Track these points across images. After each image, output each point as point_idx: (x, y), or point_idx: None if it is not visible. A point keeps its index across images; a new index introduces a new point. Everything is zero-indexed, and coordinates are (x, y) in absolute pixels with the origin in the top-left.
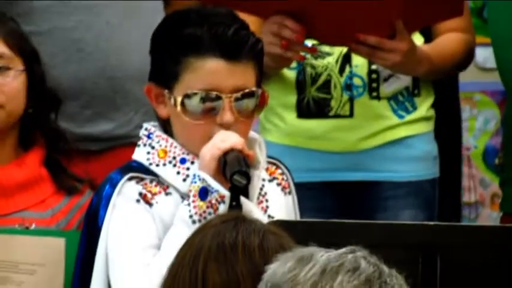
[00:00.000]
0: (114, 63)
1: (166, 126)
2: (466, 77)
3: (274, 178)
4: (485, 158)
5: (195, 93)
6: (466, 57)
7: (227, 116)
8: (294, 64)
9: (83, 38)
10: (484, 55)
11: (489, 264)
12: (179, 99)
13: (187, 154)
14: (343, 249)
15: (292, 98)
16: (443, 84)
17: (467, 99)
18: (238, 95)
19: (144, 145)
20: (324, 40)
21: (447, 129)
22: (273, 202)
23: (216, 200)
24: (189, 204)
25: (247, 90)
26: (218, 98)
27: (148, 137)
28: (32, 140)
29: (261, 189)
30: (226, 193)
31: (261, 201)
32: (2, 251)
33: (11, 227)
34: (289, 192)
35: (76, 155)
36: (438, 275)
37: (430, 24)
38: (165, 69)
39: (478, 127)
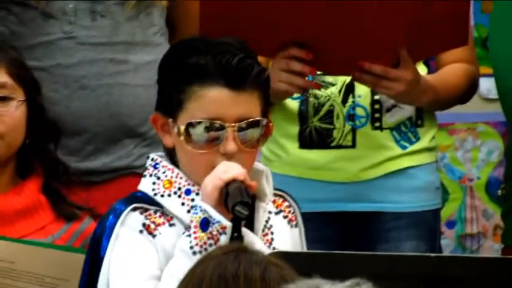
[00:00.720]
0: (118, 100)
1: (172, 156)
2: (469, 108)
3: (281, 211)
4: (488, 189)
5: (199, 122)
6: (470, 88)
7: (230, 146)
8: (296, 94)
9: (86, 75)
10: (488, 86)
11: None
12: (182, 128)
13: (193, 185)
14: (348, 282)
15: (295, 129)
16: None
17: (470, 130)
18: (243, 124)
19: (150, 175)
20: (326, 70)
21: None
22: (279, 235)
23: (217, 231)
24: (189, 235)
25: (251, 120)
26: (222, 127)
27: (155, 167)
28: (30, 168)
29: (267, 221)
30: (227, 224)
31: (266, 234)
32: (29, 262)
33: (36, 240)
34: (296, 225)
35: (77, 185)
36: None
37: (435, 54)
38: (170, 98)
39: (481, 158)
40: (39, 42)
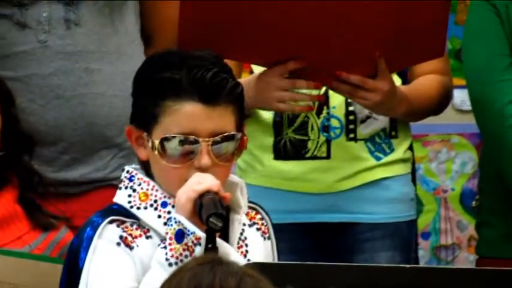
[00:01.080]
0: (93, 109)
1: (147, 169)
2: (443, 119)
3: (254, 223)
4: (462, 200)
5: (173, 137)
6: (444, 100)
7: (204, 160)
8: None
9: (61, 84)
10: (462, 97)
11: None
12: (157, 142)
13: (169, 197)
14: None
15: (269, 140)
16: None
17: (444, 142)
18: (217, 138)
19: (126, 188)
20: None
21: None
22: (253, 247)
23: (192, 242)
24: (165, 247)
25: (226, 134)
26: (196, 141)
27: (130, 179)
28: (5, 180)
29: (241, 233)
30: (202, 235)
31: (241, 246)
32: (3, 272)
33: (11, 249)
34: (269, 237)
35: (54, 197)
36: None
37: (411, 65)
38: (144, 112)
39: (455, 169)
40: (15, 52)
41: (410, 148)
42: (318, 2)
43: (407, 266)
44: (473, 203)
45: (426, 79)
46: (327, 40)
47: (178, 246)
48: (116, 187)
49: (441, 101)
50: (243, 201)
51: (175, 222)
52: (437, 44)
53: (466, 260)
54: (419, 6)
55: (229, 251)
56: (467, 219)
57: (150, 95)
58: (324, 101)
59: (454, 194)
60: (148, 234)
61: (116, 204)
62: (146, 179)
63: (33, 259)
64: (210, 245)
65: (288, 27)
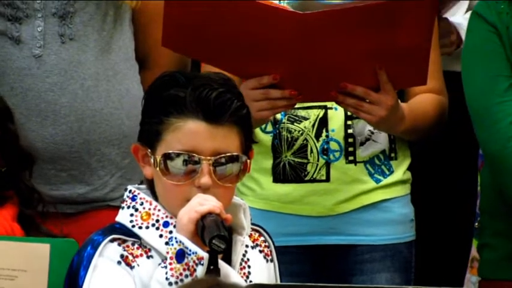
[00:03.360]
0: (90, 126)
1: (152, 187)
2: None
3: (257, 245)
4: None
5: (176, 154)
6: (441, 119)
7: (205, 179)
8: (269, 128)
9: (58, 100)
10: None
11: None
12: (159, 158)
13: (171, 217)
14: None
15: (268, 163)
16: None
17: None
18: (220, 158)
19: (128, 207)
20: (306, 98)
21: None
22: (255, 269)
23: (194, 262)
24: (165, 267)
25: (229, 155)
26: (198, 161)
27: (133, 199)
28: (5, 197)
29: (244, 255)
30: (204, 255)
31: (243, 267)
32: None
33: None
34: (271, 260)
35: (53, 216)
36: None
37: (395, 90)
38: (149, 129)
39: None
40: (10, 68)
41: (410, 169)
42: (297, 26)
43: (411, 287)
44: (476, 224)
45: (424, 98)
46: (311, 57)
47: (178, 266)
48: (114, 208)
49: (438, 120)
50: (246, 223)
51: (177, 242)
52: (419, 72)
53: (469, 281)
54: (400, 32)
55: (229, 273)
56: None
57: (155, 112)
58: (323, 123)
59: None
60: (149, 254)
61: (118, 223)
62: (148, 198)
63: (12, 240)
64: (212, 267)
65: (267, 44)
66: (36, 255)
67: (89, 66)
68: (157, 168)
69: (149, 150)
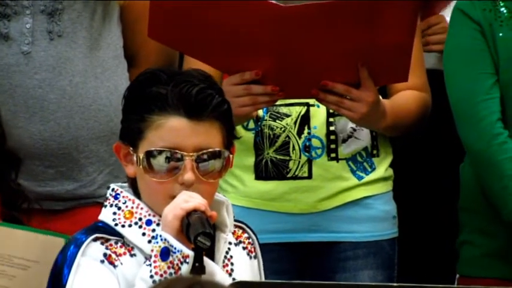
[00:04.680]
0: (78, 123)
1: (135, 186)
2: None
3: (241, 242)
4: None
5: (158, 152)
6: (423, 115)
7: (188, 175)
8: (251, 125)
9: (46, 97)
10: None
11: None
12: (142, 156)
13: (153, 216)
14: None
15: (250, 160)
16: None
17: None
18: (202, 155)
19: (111, 206)
20: (288, 95)
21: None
22: (238, 266)
23: (179, 260)
24: (150, 265)
25: (211, 150)
26: (181, 157)
27: (115, 197)
28: None
29: (227, 252)
30: (190, 253)
31: (226, 265)
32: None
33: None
34: (255, 257)
35: (38, 214)
36: None
37: (376, 86)
38: (131, 127)
39: None
40: None
41: (392, 166)
42: (278, 20)
43: (395, 284)
44: None
45: (406, 94)
46: (293, 54)
47: (163, 264)
48: (102, 205)
49: (420, 116)
50: (229, 220)
51: (162, 239)
52: (401, 69)
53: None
54: (383, 29)
55: (215, 270)
56: None
57: (137, 110)
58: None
59: None
60: (132, 252)
61: (101, 221)
62: (131, 197)
63: (28, 231)
64: (197, 264)
65: (249, 37)
66: (50, 248)
67: (77, 63)
68: (140, 166)
69: (131, 148)
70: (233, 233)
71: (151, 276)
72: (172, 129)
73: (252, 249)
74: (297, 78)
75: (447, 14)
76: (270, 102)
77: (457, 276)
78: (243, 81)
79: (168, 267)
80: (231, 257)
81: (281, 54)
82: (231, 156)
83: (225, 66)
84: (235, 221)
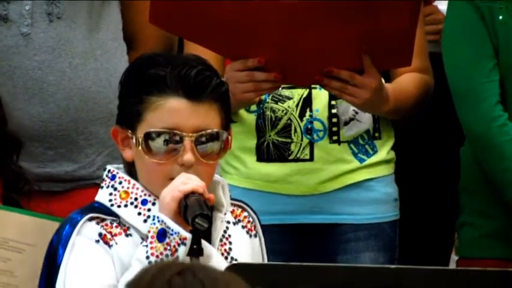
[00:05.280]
0: (78, 104)
1: (131, 170)
2: None
3: (240, 221)
4: None
5: (157, 133)
6: (425, 97)
7: (188, 156)
8: (253, 107)
9: (46, 79)
10: None
11: None
12: (141, 138)
13: (149, 195)
14: None
15: (252, 142)
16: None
17: None
18: (201, 137)
19: (107, 187)
20: (291, 81)
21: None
22: (237, 245)
23: (176, 242)
24: (146, 246)
25: (210, 132)
26: (180, 139)
27: (112, 178)
28: None
29: (225, 231)
30: (187, 235)
31: (224, 244)
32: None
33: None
34: (256, 235)
35: (38, 195)
36: None
37: (380, 70)
38: (129, 110)
39: None
40: None
41: (394, 148)
42: (284, 7)
43: (392, 266)
44: None
45: (408, 77)
46: (296, 41)
47: (159, 245)
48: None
49: (423, 99)
50: (225, 200)
51: (159, 221)
52: (404, 54)
53: (452, 260)
54: (386, 16)
55: (212, 253)
56: None
57: (135, 93)
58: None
59: None
60: (128, 232)
61: (97, 202)
62: (127, 177)
63: (22, 214)
64: (195, 246)
65: (252, 27)
66: (46, 232)
67: (76, 44)
68: (140, 148)
69: (129, 131)
70: (232, 212)
71: (148, 257)
72: (171, 110)
73: (252, 228)
74: (300, 66)
75: (439, 2)
76: (272, 88)
77: (457, 257)
78: (246, 67)
79: (165, 249)
80: (229, 236)
81: (284, 42)
82: (229, 137)
83: (228, 51)
84: (234, 200)
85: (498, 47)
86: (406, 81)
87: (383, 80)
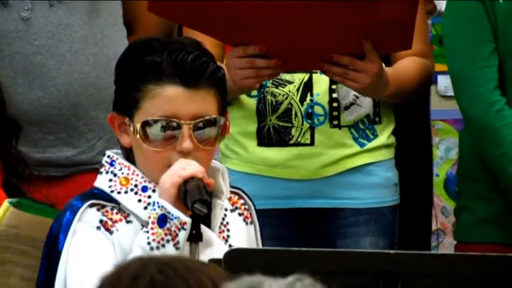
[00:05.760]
0: (78, 89)
1: (129, 156)
2: None
3: (236, 208)
4: (446, 186)
5: (155, 121)
6: (425, 81)
7: (186, 144)
8: (254, 92)
9: (46, 63)
10: (446, 83)
11: None
12: (138, 126)
13: (149, 182)
14: (291, 278)
15: (253, 126)
16: (414, 112)
17: None
18: (198, 122)
19: (107, 172)
20: (292, 68)
21: (418, 157)
22: (235, 232)
23: (176, 227)
24: (147, 231)
25: (207, 118)
26: (178, 126)
27: (111, 164)
28: None
29: (223, 218)
30: (187, 220)
31: (223, 231)
32: (31, 228)
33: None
34: (251, 223)
35: (38, 180)
36: None
37: (380, 55)
38: (126, 97)
39: (439, 155)
40: None
41: (394, 133)
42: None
43: (392, 251)
44: (457, 188)
45: (408, 61)
46: (296, 28)
47: (160, 230)
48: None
49: (423, 83)
50: (224, 187)
51: (159, 206)
52: (405, 37)
53: (451, 245)
54: (386, 4)
55: (212, 238)
56: (452, 205)
57: (131, 80)
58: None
59: (438, 180)
60: (128, 218)
61: (97, 188)
62: (127, 163)
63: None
64: (194, 231)
65: (252, 14)
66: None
67: (77, 29)
68: (137, 136)
69: (127, 118)
70: (229, 199)
71: (149, 243)
72: (168, 98)
73: (248, 215)
74: (301, 52)
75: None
76: (273, 75)
77: (455, 242)
78: (247, 54)
79: (166, 234)
80: (227, 223)
81: (284, 28)
82: (227, 122)
83: (227, 38)
84: (231, 187)
85: (497, 31)
86: (407, 65)
87: (383, 64)
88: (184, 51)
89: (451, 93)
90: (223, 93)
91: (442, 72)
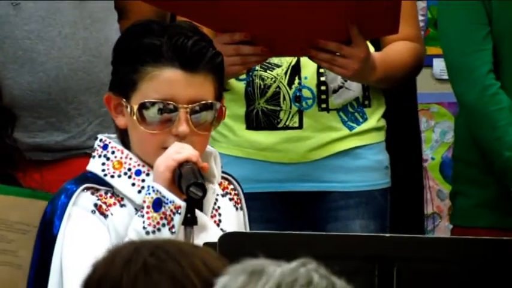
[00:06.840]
0: (67, 74)
1: (123, 138)
2: (423, 89)
3: (227, 193)
4: (442, 169)
5: (152, 103)
6: (416, 66)
7: (182, 127)
8: (243, 76)
9: (35, 48)
10: (441, 66)
11: (445, 277)
12: (135, 108)
13: (143, 166)
14: (295, 263)
15: (241, 110)
16: (402, 95)
17: (424, 111)
18: (195, 106)
19: (99, 156)
20: (279, 54)
21: (407, 140)
22: (226, 216)
23: (171, 210)
24: (142, 216)
25: (204, 102)
26: (175, 109)
27: (104, 148)
28: None
29: (215, 203)
30: (182, 203)
31: (214, 215)
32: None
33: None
34: (241, 208)
35: (29, 165)
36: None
37: (367, 39)
38: (123, 78)
39: (435, 139)
40: None
41: (384, 116)
42: None
43: (387, 235)
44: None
45: (398, 45)
46: (282, 14)
47: (155, 214)
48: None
49: (413, 67)
50: (217, 171)
51: (154, 190)
52: (391, 21)
53: (447, 229)
54: None
55: (206, 222)
56: (447, 188)
57: (130, 61)
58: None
59: (434, 163)
60: (122, 202)
61: (90, 172)
62: (120, 147)
63: (28, 197)
64: (189, 215)
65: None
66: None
67: (67, 13)
68: (134, 117)
69: (124, 99)
70: (219, 184)
71: (144, 227)
72: (167, 81)
73: (238, 201)
74: (287, 38)
75: None
76: (259, 61)
77: (451, 226)
78: (233, 41)
79: (161, 218)
80: (219, 207)
81: (270, 14)
82: (223, 108)
83: (215, 25)
84: (222, 172)
85: (492, 15)
86: (396, 50)
87: (371, 50)
88: (184, 35)
89: (446, 76)
90: (221, 78)
91: (438, 56)
